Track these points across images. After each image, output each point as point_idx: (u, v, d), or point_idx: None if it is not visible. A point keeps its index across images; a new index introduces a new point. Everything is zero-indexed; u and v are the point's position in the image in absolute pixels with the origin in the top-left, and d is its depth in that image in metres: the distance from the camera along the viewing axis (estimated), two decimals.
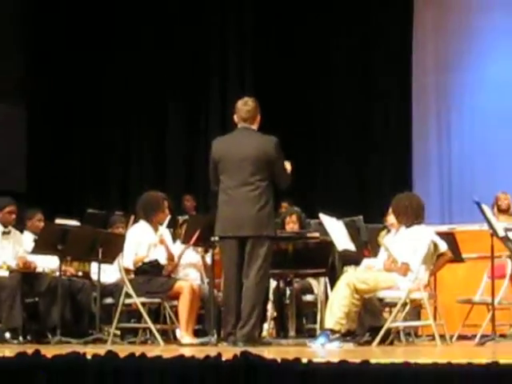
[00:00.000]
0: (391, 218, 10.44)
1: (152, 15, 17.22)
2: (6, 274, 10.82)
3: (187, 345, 9.91)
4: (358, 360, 4.67)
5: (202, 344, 9.89)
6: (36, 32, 17.50)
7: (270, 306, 11.08)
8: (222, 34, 17.41)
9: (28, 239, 11.47)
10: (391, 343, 9.72)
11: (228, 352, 5.14)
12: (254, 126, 9.45)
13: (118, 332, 10.76)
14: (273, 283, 11.05)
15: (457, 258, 10.65)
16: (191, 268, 11.56)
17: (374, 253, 10.64)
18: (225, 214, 9.32)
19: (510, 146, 16.20)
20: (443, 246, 9.81)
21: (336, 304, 9.30)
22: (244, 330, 9.00)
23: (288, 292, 11.44)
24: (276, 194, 9.67)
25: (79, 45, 17.11)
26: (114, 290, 10.93)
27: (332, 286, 10.12)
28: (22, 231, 11.64)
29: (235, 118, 9.55)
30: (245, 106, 9.44)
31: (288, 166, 9.57)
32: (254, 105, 9.46)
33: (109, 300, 10.91)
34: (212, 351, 5.34)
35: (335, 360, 4.73)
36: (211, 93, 17.29)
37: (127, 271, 10.51)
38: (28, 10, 17.60)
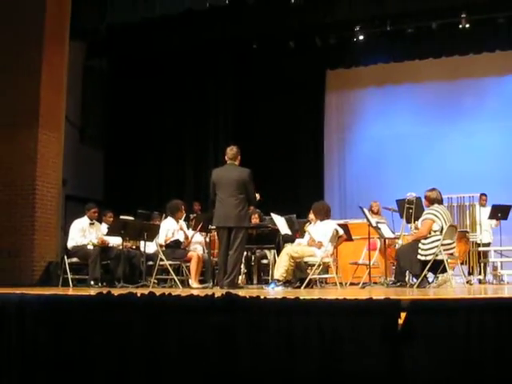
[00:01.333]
0: (312, 216, 10.44)
1: (183, 101, 17.37)
2: (91, 247, 10.81)
3: (195, 288, 9.87)
4: (292, 296, 4.70)
5: (204, 288, 9.86)
6: (112, 97, 17.57)
7: (242, 266, 11.07)
8: (216, 115, 17.49)
9: (104, 227, 11.42)
10: (312, 287, 9.74)
11: (218, 292, 5.17)
12: (237, 162, 9.47)
13: (156, 281, 10.71)
14: (244, 253, 11.08)
15: (349, 238, 10.64)
16: (198, 244, 11.51)
17: (302, 235, 10.63)
18: (219, 213, 9.33)
19: (378, 176, 16.32)
20: (341, 231, 9.85)
21: (280, 265, 9.31)
22: (228, 280, 9.04)
23: (253, 258, 11.51)
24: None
25: (140, 107, 17.24)
26: (153, 256, 10.87)
27: (278, 254, 10.11)
28: (100, 223, 11.60)
29: (226, 157, 9.58)
30: (231, 150, 9.48)
31: (257, 195, 9.70)
32: (237, 150, 9.50)
33: (150, 262, 10.83)
34: (209, 292, 5.38)
35: (280, 296, 4.75)
36: (209, 145, 17.27)
37: (161, 246, 10.49)
38: (107, 84, 17.68)
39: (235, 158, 9.51)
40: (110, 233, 10.95)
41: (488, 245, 12.65)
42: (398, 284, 9.28)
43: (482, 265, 12.36)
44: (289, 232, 10.55)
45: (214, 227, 10.01)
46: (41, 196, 11.89)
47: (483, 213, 12.56)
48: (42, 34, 12.06)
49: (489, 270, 12.70)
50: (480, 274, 12.27)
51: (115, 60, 17.53)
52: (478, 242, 12.27)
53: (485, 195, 12.99)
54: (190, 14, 13.57)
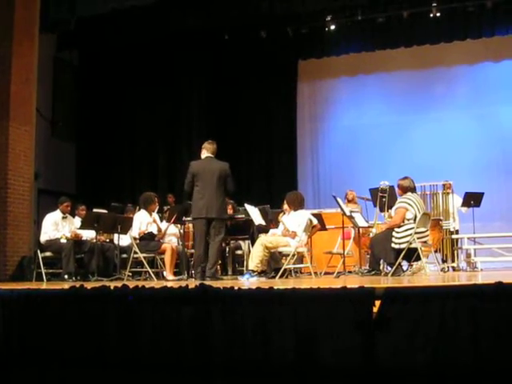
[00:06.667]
0: (285, 206, 10.44)
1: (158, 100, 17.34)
2: (64, 241, 10.76)
3: (170, 280, 9.87)
4: (267, 286, 4.69)
5: (178, 280, 9.86)
6: (83, 89, 17.47)
7: None
8: (188, 107, 17.38)
9: (77, 221, 11.38)
10: (286, 277, 9.74)
11: (192, 284, 5.16)
12: (214, 156, 9.62)
13: (130, 274, 10.66)
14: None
15: (323, 228, 10.66)
16: (172, 236, 11.49)
17: (276, 226, 10.62)
18: (199, 204, 9.41)
19: (351, 165, 16.40)
20: (315, 221, 9.86)
21: (254, 255, 9.32)
22: (211, 270, 9.17)
23: (227, 249, 11.52)
24: None
25: (112, 99, 17.23)
26: (127, 249, 10.84)
27: (252, 245, 10.12)
28: (73, 216, 11.55)
29: (204, 150, 9.70)
30: (212, 145, 9.71)
31: None
32: (216, 145, 9.71)
33: (124, 255, 10.81)
34: (183, 283, 5.35)
35: (254, 287, 4.74)
36: (182, 136, 17.21)
37: (134, 238, 10.46)
38: (78, 76, 17.55)
39: (214, 153, 9.72)
40: (83, 226, 10.89)
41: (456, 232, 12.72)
42: (373, 273, 9.32)
43: (456, 252, 12.44)
44: (263, 222, 10.55)
45: (188, 219, 10.03)
46: (13, 190, 11.81)
47: (450, 200, 12.58)
48: (12, 26, 11.95)
49: (462, 257, 12.79)
50: (454, 261, 12.34)
51: (86, 52, 17.43)
52: (452, 229, 12.34)
53: (449, 183, 12.93)
54: (160, 5, 13.51)
